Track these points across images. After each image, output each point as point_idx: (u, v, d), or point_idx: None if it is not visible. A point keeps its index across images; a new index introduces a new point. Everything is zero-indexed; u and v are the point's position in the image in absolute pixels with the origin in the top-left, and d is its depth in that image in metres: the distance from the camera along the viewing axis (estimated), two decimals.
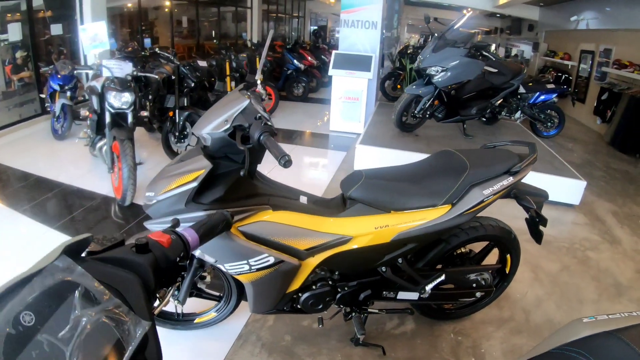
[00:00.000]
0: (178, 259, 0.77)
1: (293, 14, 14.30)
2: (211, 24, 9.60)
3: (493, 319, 2.21)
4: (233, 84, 5.45)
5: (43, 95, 5.16)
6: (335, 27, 21.55)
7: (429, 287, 1.75)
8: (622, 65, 6.51)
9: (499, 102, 5.03)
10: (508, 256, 2.00)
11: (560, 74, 8.48)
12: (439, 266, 1.89)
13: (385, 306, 1.99)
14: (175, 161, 1.48)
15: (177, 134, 4.11)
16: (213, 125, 1.35)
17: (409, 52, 9.01)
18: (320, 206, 1.64)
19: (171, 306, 1.85)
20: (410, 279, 1.74)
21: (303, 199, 1.63)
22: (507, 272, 2.04)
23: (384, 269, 1.67)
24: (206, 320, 1.96)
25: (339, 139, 5.44)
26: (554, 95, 5.60)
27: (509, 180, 1.66)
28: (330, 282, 1.65)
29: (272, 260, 1.44)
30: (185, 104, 4.16)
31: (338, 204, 1.67)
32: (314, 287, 1.63)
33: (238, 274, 1.48)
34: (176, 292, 1.68)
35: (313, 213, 1.55)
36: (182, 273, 1.63)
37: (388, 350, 1.87)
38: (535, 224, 1.83)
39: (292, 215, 1.50)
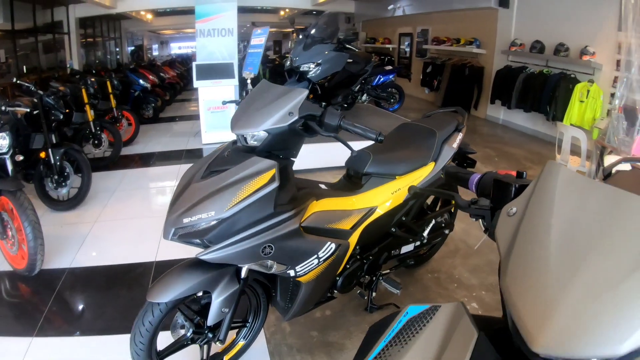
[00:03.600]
0: None
1: (110, 36, 12.91)
2: (27, 56, 8.00)
3: (447, 254, 2.73)
4: (92, 112, 4.76)
5: None
6: (152, 45, 20.33)
7: (426, 233, 2.11)
8: (440, 41, 8.05)
9: (358, 87, 5.76)
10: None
11: (383, 57, 9.93)
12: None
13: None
14: (199, 176, 1.36)
15: (55, 177, 3.49)
16: (274, 119, 1.30)
17: None
18: (339, 188, 1.81)
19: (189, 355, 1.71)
20: (411, 231, 2.07)
21: (323, 186, 1.74)
22: (452, 210, 2.54)
23: (393, 229, 1.95)
24: (237, 351, 1.82)
25: None
26: (392, 75, 6.65)
27: (460, 135, 2.14)
28: (358, 257, 1.83)
29: (334, 246, 1.53)
30: (55, 141, 3.55)
31: (348, 183, 1.85)
32: (347, 266, 1.78)
33: (307, 273, 1.51)
34: (209, 335, 1.56)
35: (343, 195, 1.69)
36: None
37: (399, 304, 2.15)
38: (464, 166, 2.37)
39: (332, 201, 1.61)
